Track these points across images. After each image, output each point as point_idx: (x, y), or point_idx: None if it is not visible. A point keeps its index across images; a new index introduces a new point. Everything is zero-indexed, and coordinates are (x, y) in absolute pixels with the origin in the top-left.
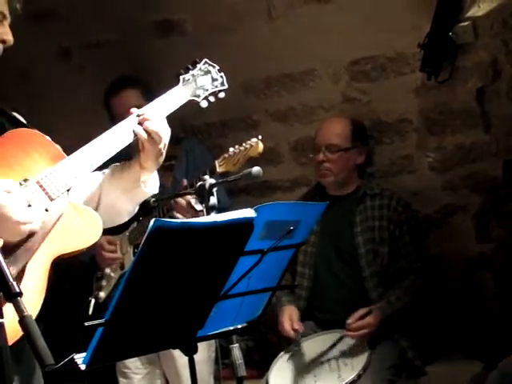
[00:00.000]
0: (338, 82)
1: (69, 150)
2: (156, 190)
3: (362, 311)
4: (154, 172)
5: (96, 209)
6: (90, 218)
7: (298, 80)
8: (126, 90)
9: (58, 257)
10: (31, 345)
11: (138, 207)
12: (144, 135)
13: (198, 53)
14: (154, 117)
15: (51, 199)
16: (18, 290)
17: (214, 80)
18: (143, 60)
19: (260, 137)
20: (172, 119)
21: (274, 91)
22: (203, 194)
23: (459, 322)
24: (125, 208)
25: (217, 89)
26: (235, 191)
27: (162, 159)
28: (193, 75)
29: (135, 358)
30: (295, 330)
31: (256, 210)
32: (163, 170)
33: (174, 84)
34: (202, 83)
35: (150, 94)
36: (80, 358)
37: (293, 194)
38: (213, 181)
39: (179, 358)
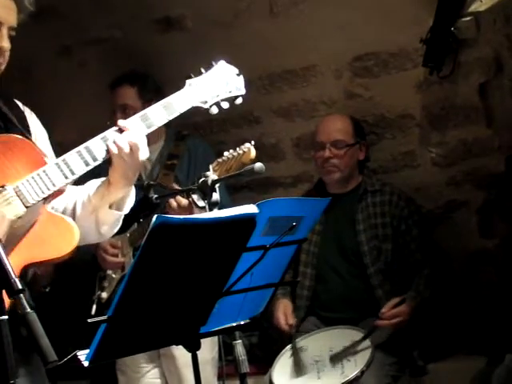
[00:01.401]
0: (341, 77)
1: (70, 146)
2: (126, 211)
3: (395, 300)
4: (127, 192)
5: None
6: (66, 228)
7: (300, 76)
8: (122, 86)
9: (28, 264)
10: (34, 342)
11: (111, 228)
12: (112, 148)
13: (198, 49)
14: (133, 129)
15: (26, 206)
16: (20, 287)
17: (228, 84)
18: (144, 56)
19: (253, 142)
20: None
21: (276, 87)
22: (206, 191)
23: (463, 318)
24: (90, 226)
25: (231, 94)
26: (237, 187)
27: (133, 176)
28: (203, 79)
29: (135, 357)
30: (289, 325)
31: (258, 206)
32: (165, 169)
33: (177, 82)
34: (212, 88)
35: (146, 93)
36: (83, 355)
37: (295, 190)
38: (215, 177)
39: (180, 357)
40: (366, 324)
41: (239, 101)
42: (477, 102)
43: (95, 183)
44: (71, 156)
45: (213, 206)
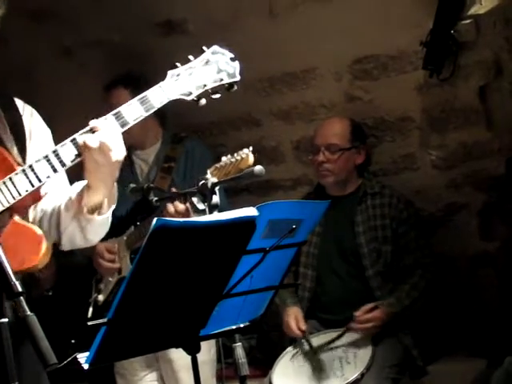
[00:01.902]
0: (341, 80)
1: None
2: (107, 215)
3: (370, 305)
4: (108, 195)
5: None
6: (32, 239)
7: (300, 78)
8: (115, 88)
9: None
10: (34, 344)
11: (96, 234)
12: (82, 149)
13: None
14: (104, 128)
15: None
16: (20, 290)
17: (220, 71)
18: (144, 59)
19: (251, 148)
20: (172, 117)
21: (276, 90)
22: (205, 193)
23: (463, 320)
24: (74, 231)
25: (222, 82)
26: (237, 190)
27: (110, 178)
28: (187, 68)
29: (133, 360)
30: (301, 330)
31: (258, 209)
32: (162, 172)
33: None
34: (198, 77)
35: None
36: (83, 358)
37: (295, 192)
38: (215, 179)
39: (177, 360)
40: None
41: (234, 88)
42: (477, 105)
43: (78, 186)
44: (39, 162)
45: (213, 208)
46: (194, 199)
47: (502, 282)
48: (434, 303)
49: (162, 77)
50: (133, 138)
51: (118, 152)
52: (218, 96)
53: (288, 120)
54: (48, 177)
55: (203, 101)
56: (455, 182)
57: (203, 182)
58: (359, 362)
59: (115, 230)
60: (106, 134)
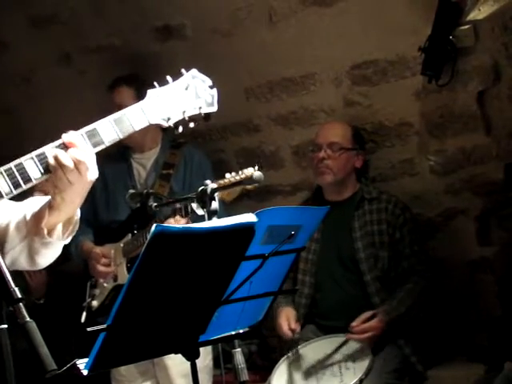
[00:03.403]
0: (339, 85)
1: None
2: (66, 240)
3: (366, 314)
4: (71, 217)
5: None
6: None
7: (299, 84)
8: (119, 87)
9: None
10: (33, 351)
11: (47, 258)
12: (54, 166)
13: (198, 58)
14: (81, 144)
15: None
16: (19, 296)
17: (198, 98)
18: (143, 64)
19: (257, 167)
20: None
21: (275, 95)
22: (205, 199)
23: (462, 325)
24: (21, 252)
25: (200, 111)
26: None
27: (80, 200)
28: (167, 90)
29: (130, 366)
30: (292, 330)
31: (257, 215)
32: (161, 180)
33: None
34: (177, 102)
35: (143, 94)
36: (82, 364)
37: (294, 198)
38: (214, 185)
39: (173, 367)
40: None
41: (209, 119)
42: (475, 110)
43: (35, 203)
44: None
45: (212, 214)
46: (194, 205)
47: (500, 287)
48: (432, 308)
49: (162, 82)
50: (131, 141)
51: (94, 172)
52: (192, 125)
53: (287, 125)
54: (8, 193)
55: (180, 129)
56: (454, 188)
57: (202, 187)
58: (358, 368)
59: (111, 236)
60: (83, 150)
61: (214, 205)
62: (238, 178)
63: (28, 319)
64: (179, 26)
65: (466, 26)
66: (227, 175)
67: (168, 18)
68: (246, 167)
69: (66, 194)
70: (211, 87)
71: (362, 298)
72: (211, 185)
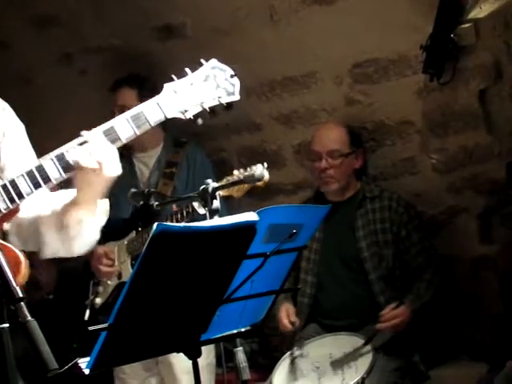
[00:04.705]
0: (341, 84)
1: None
2: (96, 229)
3: (393, 304)
4: (93, 212)
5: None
6: (12, 260)
7: (301, 83)
8: (121, 88)
9: None
10: (35, 350)
11: (81, 248)
12: (77, 165)
13: (199, 57)
14: (100, 142)
15: None
16: (21, 295)
17: (218, 88)
18: (144, 64)
19: (266, 165)
20: (173, 120)
21: (277, 94)
22: (206, 198)
23: (464, 324)
24: (56, 245)
25: (220, 101)
26: None
27: (99, 197)
28: (184, 82)
29: (133, 364)
30: (292, 323)
31: (259, 214)
32: (164, 178)
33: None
34: (195, 93)
35: (145, 95)
36: (84, 363)
37: (296, 196)
38: (216, 184)
39: (177, 363)
40: (367, 331)
41: (232, 109)
42: (477, 109)
43: (64, 196)
44: (20, 177)
45: (213, 213)
46: (195, 204)
47: (502, 285)
48: (434, 307)
49: (163, 81)
50: (134, 140)
51: (116, 168)
52: (213, 116)
53: (289, 124)
54: (29, 194)
55: (200, 120)
56: (455, 186)
57: (204, 186)
58: (360, 367)
59: (115, 234)
60: (103, 148)
61: (216, 203)
62: (246, 174)
63: (29, 318)
64: (179, 25)
65: (468, 24)
66: (235, 172)
67: (168, 17)
68: (249, 166)
69: (87, 192)
70: (232, 76)
71: (365, 298)
72: (212, 183)
